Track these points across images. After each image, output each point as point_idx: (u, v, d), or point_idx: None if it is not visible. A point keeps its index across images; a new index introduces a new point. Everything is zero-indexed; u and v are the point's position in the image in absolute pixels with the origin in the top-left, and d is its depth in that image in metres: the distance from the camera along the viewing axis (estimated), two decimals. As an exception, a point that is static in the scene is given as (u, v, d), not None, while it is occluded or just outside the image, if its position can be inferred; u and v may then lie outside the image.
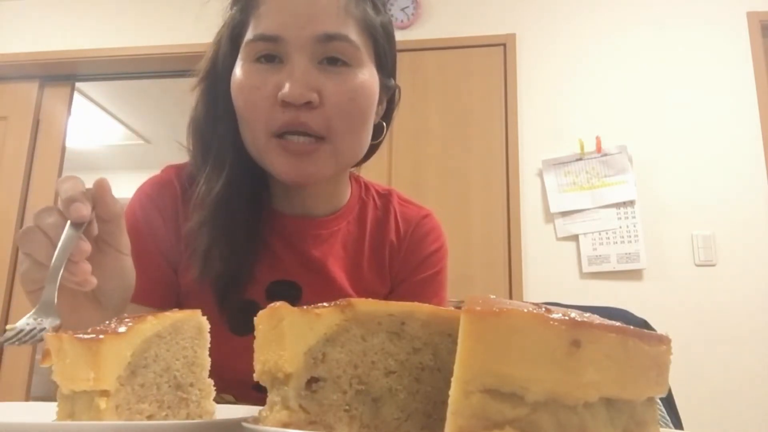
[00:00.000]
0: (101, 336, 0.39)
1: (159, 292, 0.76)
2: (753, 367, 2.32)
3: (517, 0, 2.84)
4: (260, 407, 0.39)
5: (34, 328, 0.50)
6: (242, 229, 0.74)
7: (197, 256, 0.73)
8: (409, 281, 0.84)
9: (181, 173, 0.81)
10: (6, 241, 2.96)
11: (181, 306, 0.72)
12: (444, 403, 0.28)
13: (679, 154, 2.54)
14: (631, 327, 0.29)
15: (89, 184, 0.56)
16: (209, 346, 0.49)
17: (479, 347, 0.27)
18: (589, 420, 0.28)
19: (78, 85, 3.39)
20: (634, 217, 2.51)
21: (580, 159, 2.59)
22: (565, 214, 2.57)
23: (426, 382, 0.39)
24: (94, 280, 0.54)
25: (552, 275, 2.53)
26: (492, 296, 0.30)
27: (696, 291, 2.41)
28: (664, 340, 0.31)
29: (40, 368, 0.58)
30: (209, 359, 0.49)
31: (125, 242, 0.61)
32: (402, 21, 2.85)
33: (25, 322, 0.50)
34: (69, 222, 0.52)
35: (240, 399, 0.75)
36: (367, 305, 0.38)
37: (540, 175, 2.63)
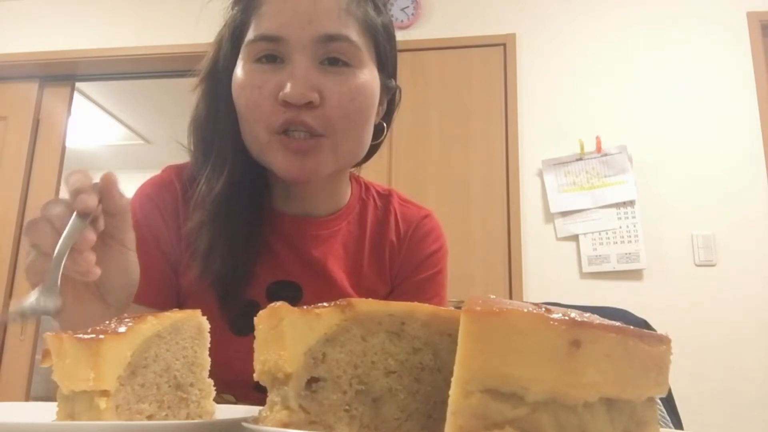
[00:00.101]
0: (101, 336, 0.39)
1: (159, 293, 0.76)
2: (753, 367, 2.32)
3: (517, 0, 2.83)
4: (260, 407, 0.39)
5: (39, 305, 0.50)
6: (243, 229, 0.74)
7: (198, 256, 0.73)
8: (409, 281, 0.84)
9: (181, 173, 0.81)
10: (6, 241, 2.96)
11: (181, 306, 0.72)
12: (444, 403, 0.28)
13: (679, 154, 2.54)
14: (631, 327, 0.29)
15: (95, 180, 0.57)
16: (209, 346, 0.49)
17: (479, 347, 0.27)
18: (589, 420, 0.28)
19: (78, 85, 3.39)
20: (634, 217, 2.51)
21: (580, 159, 2.59)
22: (565, 214, 2.57)
23: (426, 382, 0.39)
24: (97, 271, 0.54)
25: (552, 275, 2.53)
26: (492, 296, 0.30)
27: (696, 291, 2.41)
28: (664, 340, 0.31)
29: (40, 368, 0.58)
30: (209, 359, 0.49)
31: (131, 237, 0.61)
32: (402, 21, 2.85)
33: (27, 301, 0.51)
34: (75, 213, 0.53)
35: (240, 399, 0.75)
36: (367, 305, 0.38)
37: (540, 175, 2.63)
